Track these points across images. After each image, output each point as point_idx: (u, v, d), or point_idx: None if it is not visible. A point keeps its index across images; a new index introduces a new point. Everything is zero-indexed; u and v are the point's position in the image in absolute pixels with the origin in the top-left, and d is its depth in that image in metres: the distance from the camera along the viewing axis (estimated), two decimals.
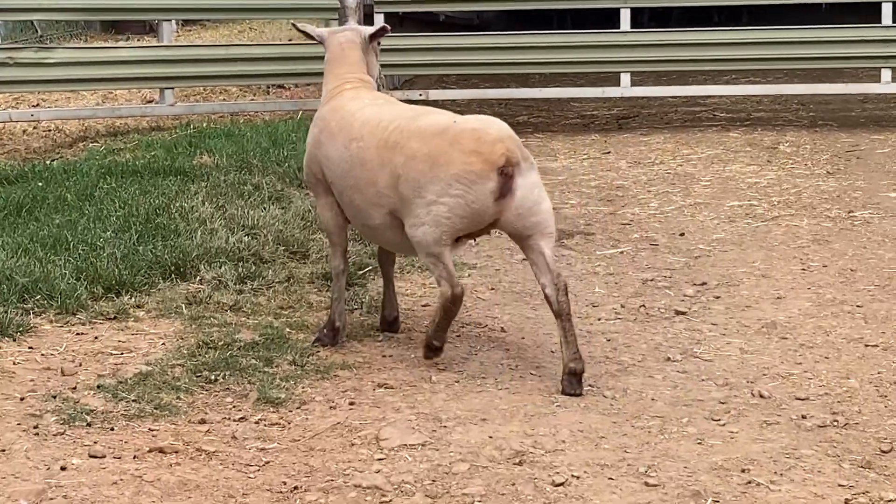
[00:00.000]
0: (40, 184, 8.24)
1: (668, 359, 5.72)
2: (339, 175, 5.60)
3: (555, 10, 16.29)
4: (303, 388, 5.23)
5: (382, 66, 11.19)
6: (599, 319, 6.33)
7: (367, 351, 5.73)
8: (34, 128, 10.96)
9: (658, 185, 9.30)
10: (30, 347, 5.58)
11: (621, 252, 7.63)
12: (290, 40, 15.99)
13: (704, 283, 6.93)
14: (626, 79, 11.32)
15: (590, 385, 5.33)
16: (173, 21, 13.91)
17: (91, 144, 10.24)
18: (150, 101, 11.84)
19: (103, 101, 12.01)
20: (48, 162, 9.39)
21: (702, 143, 10.78)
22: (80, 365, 5.40)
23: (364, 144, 5.46)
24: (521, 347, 5.86)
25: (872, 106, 12.37)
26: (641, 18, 15.99)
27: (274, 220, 7.36)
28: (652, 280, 7.02)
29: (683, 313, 6.41)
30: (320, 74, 10.86)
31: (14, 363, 5.36)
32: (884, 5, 11.21)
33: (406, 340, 5.92)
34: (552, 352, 5.79)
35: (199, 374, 5.29)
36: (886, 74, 11.34)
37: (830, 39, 11.49)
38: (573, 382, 5.24)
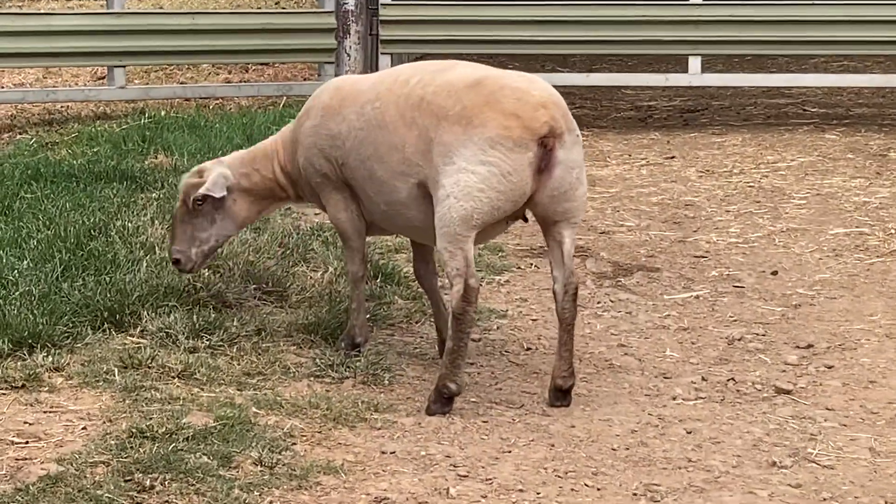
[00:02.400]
0: None
1: (775, 464, 4.88)
2: (352, 148, 5.46)
3: None
4: (271, 501, 4.38)
5: (389, 41, 10.49)
6: (675, 399, 5.49)
7: (360, 444, 4.89)
8: None
9: (738, 203, 8.48)
10: None
11: (697, 297, 6.80)
12: (276, 3, 15.22)
13: (811, 346, 6.12)
14: (695, 63, 10.48)
15: None
16: None
17: (19, 136, 9.51)
18: (101, 79, 11.05)
19: (44, 77, 11.24)
20: None
21: (791, 147, 9.96)
22: None
23: (381, 104, 5.36)
24: (571, 441, 5.01)
25: None
26: None
27: (243, 248, 6.60)
28: (740, 339, 6.20)
29: (787, 392, 5.59)
30: (311, 51, 10.34)
31: None
32: None
33: (415, 427, 5.06)
34: (613, 450, 4.93)
35: (129, 478, 4.48)
36: None
37: None
38: (559, 397, 5.37)
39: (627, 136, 10.45)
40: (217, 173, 5.73)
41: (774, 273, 7.15)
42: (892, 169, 9.31)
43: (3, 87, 10.89)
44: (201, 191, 5.67)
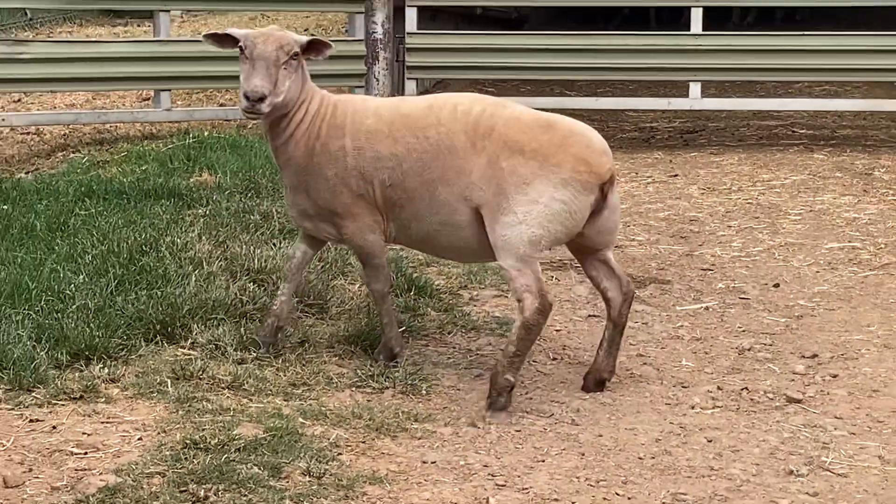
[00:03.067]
0: (5, 206, 7.17)
1: (792, 472, 4.63)
2: (412, 170, 5.18)
3: (602, 8, 15.14)
4: None
5: (414, 67, 10.23)
6: (693, 408, 5.23)
7: (402, 453, 4.63)
8: (10, 129, 9.89)
9: (739, 219, 8.20)
10: None
11: (706, 308, 6.54)
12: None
13: (815, 356, 5.86)
14: (695, 88, 10.19)
15: None
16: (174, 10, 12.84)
17: (72, 154, 9.18)
18: (146, 100, 10.78)
19: (93, 98, 10.96)
20: (18, 176, 8.33)
21: (783, 166, 9.65)
22: (30, 470, 4.34)
23: (447, 130, 5.14)
24: (600, 451, 4.76)
25: None
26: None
27: (285, 262, 6.26)
28: (750, 349, 5.94)
29: (798, 401, 5.33)
30: (342, 76, 10.04)
31: None
32: None
33: (453, 436, 4.81)
34: (640, 458, 4.69)
35: (183, 489, 4.22)
36: None
37: None
38: (598, 387, 5.37)
39: (633, 155, 10.16)
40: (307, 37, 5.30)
41: (776, 285, 6.89)
42: (878, 187, 9.01)
43: (55, 109, 10.61)
44: (301, 46, 5.18)
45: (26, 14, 15.89)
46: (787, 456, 4.77)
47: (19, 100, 10.79)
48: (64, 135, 9.92)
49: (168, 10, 10.01)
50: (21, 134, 9.91)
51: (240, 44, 5.15)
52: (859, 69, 10.48)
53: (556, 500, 4.32)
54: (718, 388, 5.46)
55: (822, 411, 5.23)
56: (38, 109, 10.50)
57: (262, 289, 6.00)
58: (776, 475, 4.61)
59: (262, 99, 5.04)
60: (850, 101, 11.36)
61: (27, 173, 8.65)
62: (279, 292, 5.54)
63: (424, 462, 4.56)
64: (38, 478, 4.27)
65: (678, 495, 4.39)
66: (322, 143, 5.28)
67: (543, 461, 4.63)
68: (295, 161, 5.34)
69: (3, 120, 9.46)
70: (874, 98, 11.33)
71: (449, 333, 5.96)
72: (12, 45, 9.15)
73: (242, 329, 5.53)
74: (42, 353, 5.14)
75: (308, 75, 5.33)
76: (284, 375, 5.26)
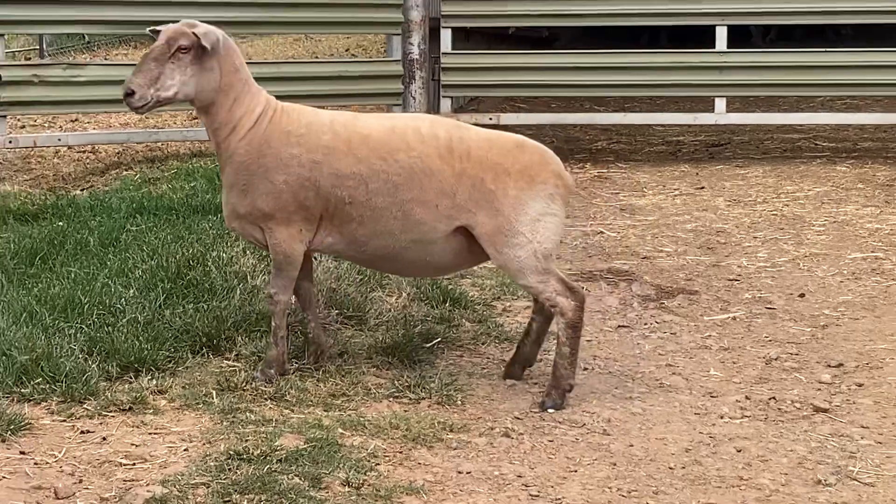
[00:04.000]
0: (61, 223, 7.14)
1: (820, 482, 4.47)
2: (381, 190, 5.00)
3: (628, 28, 14.95)
4: None
5: (449, 86, 10.13)
6: (722, 417, 5.09)
7: (438, 464, 4.52)
8: (68, 148, 9.87)
9: (764, 230, 8.03)
10: (21, 453, 4.47)
11: (734, 318, 6.38)
12: (346, 50, 14.92)
13: (841, 365, 5.69)
14: (720, 104, 10.03)
15: None
16: None
17: (125, 172, 9.14)
18: (195, 118, 10.74)
19: (146, 118, 10.92)
20: (74, 193, 8.29)
21: (807, 178, 9.47)
22: (81, 482, 4.26)
23: (419, 153, 5.02)
24: (631, 461, 4.63)
25: None
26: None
27: (326, 276, 6.21)
28: (777, 359, 5.78)
29: (825, 410, 5.17)
30: (380, 95, 9.95)
31: None
32: None
33: (487, 447, 4.70)
34: (670, 468, 4.56)
35: (227, 500, 4.13)
36: None
37: None
38: (522, 372, 5.42)
39: (661, 167, 10.01)
40: (213, 29, 4.95)
41: (802, 295, 6.73)
42: None
43: (110, 128, 10.59)
44: (192, 39, 4.88)
45: (84, 37, 15.94)
46: (815, 465, 4.62)
47: (76, 119, 10.79)
48: (118, 153, 9.90)
49: None
50: (77, 153, 9.90)
51: None
52: (880, 84, 10.28)
53: None
54: (747, 397, 5.31)
55: (849, 420, 5.07)
56: (94, 129, 10.49)
57: None
58: (804, 485, 4.46)
59: (130, 94, 4.93)
60: (872, 115, 11.16)
61: (82, 190, 8.63)
62: (306, 321, 5.41)
63: (460, 472, 4.44)
64: (87, 489, 4.19)
65: None
66: (274, 149, 5.01)
67: (576, 471, 4.51)
68: (238, 158, 5.06)
69: (60, 140, 9.46)
70: (895, 112, 11.12)
71: (483, 344, 5.85)
72: (68, 69, 9.12)
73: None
74: (93, 365, 5.07)
75: (242, 72, 5.03)
76: (324, 386, 5.17)
